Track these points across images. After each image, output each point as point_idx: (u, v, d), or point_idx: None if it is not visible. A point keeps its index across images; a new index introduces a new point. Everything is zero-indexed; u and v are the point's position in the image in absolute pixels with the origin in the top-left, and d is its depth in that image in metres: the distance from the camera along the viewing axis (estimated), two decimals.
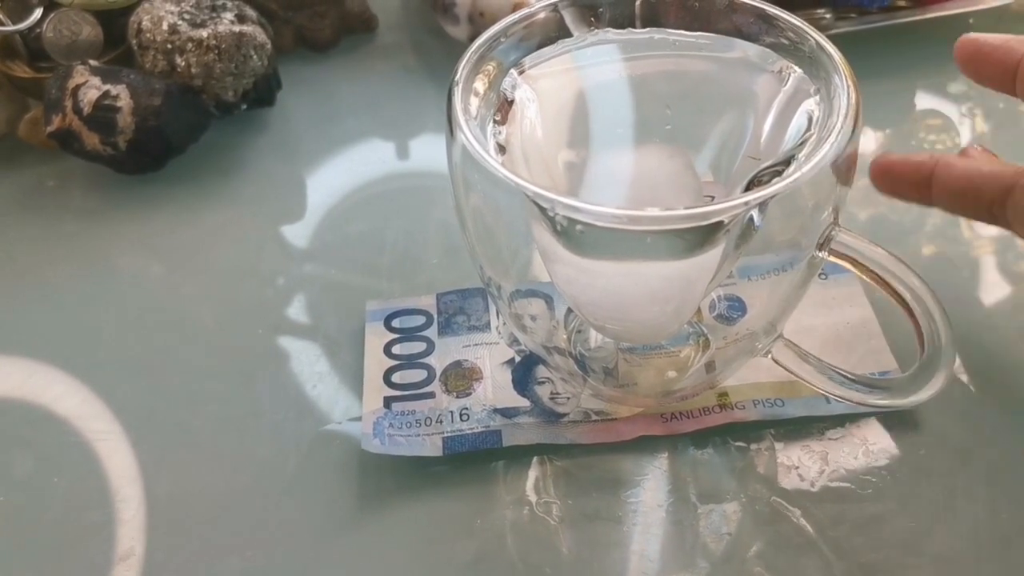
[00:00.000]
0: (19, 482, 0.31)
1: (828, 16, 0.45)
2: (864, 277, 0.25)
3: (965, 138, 0.43)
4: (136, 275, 0.39)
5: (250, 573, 0.28)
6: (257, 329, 0.36)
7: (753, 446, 0.30)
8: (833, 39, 0.26)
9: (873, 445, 0.30)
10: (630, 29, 0.29)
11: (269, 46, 0.44)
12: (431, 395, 0.32)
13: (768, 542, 0.28)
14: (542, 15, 0.28)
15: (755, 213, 0.24)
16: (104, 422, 0.33)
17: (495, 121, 0.27)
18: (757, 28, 0.27)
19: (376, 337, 0.34)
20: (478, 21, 0.47)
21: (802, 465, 0.30)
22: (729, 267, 0.27)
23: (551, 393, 0.32)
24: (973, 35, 0.28)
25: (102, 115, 0.39)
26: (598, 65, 0.29)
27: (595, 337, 0.33)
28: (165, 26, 0.41)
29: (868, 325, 0.33)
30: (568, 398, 0.31)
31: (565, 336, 0.32)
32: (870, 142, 0.44)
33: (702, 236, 0.24)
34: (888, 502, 0.29)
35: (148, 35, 0.41)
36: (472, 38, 0.27)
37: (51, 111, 0.40)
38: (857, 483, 0.29)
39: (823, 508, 0.29)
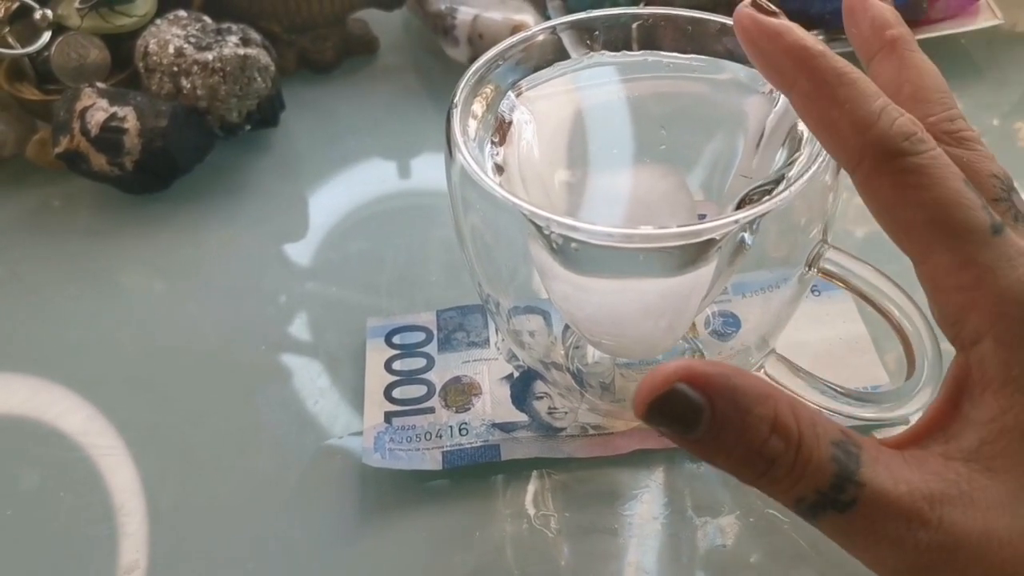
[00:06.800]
0: (26, 496, 0.32)
1: (820, 38, 0.46)
2: (852, 293, 0.26)
3: None
4: (140, 293, 0.40)
5: None
6: (260, 346, 0.36)
7: None
8: None
9: None
10: (624, 52, 0.29)
11: (273, 68, 0.45)
12: (431, 410, 0.32)
13: (763, 554, 0.28)
14: (539, 38, 0.29)
15: (746, 231, 0.25)
16: (108, 438, 0.33)
17: (493, 142, 0.27)
18: None
19: (377, 353, 0.34)
20: (477, 43, 0.48)
21: None
22: (723, 284, 0.28)
23: (549, 408, 0.32)
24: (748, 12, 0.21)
25: (109, 136, 0.40)
26: (593, 87, 0.30)
27: (592, 353, 0.33)
28: (171, 49, 0.42)
29: (860, 340, 0.33)
30: (566, 413, 0.32)
31: (563, 352, 0.33)
32: None
33: (694, 253, 0.25)
34: None
35: (155, 58, 0.42)
36: (472, 59, 0.28)
37: (59, 132, 0.41)
38: None
39: None
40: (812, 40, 0.21)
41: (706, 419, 0.18)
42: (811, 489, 0.19)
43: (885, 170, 0.20)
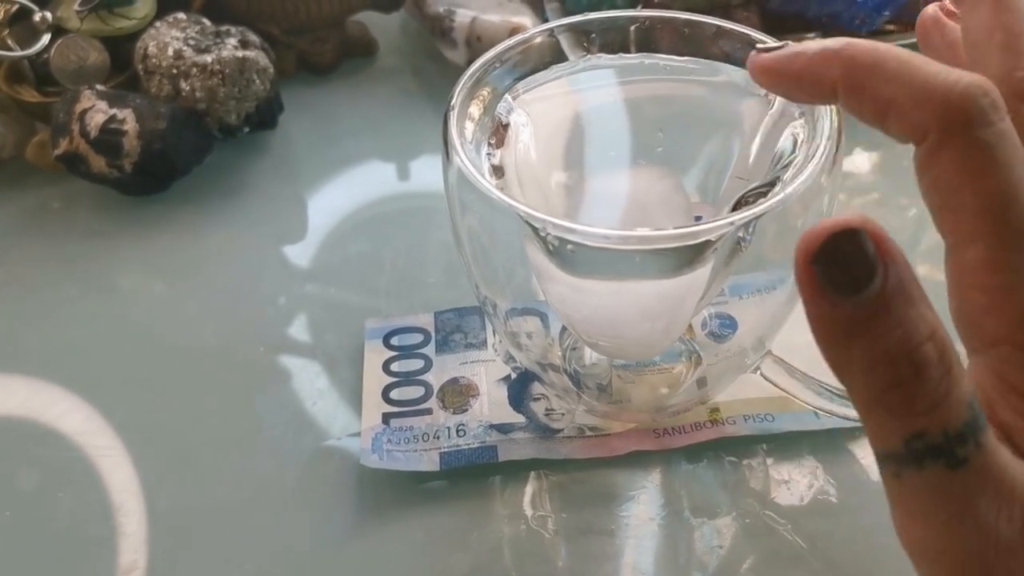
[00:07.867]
0: (25, 497, 0.32)
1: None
2: None
3: None
4: (139, 295, 0.40)
5: None
6: (258, 347, 0.36)
7: (745, 461, 0.31)
8: None
9: (862, 459, 0.30)
10: (621, 54, 0.30)
11: (271, 70, 0.45)
12: (428, 411, 0.32)
13: (759, 556, 0.28)
14: (536, 41, 0.29)
15: (742, 232, 0.25)
16: (107, 438, 0.33)
17: (490, 144, 0.27)
18: (744, 54, 0.28)
19: (375, 355, 0.34)
20: (475, 45, 0.48)
21: (792, 479, 0.30)
22: (719, 285, 0.28)
23: (546, 409, 0.32)
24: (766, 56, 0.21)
25: (108, 138, 0.40)
26: (591, 89, 0.30)
27: (589, 354, 0.33)
28: (170, 52, 0.42)
29: None
30: (563, 414, 0.32)
31: (560, 353, 0.33)
32: (864, 162, 0.45)
33: (690, 255, 0.25)
34: (876, 515, 0.29)
35: (154, 60, 0.42)
36: (470, 62, 0.28)
37: (58, 134, 0.41)
38: (846, 496, 0.30)
39: (813, 522, 0.29)
40: (829, 41, 0.20)
41: (875, 285, 0.16)
42: (938, 426, 0.17)
43: (950, 143, 0.18)
